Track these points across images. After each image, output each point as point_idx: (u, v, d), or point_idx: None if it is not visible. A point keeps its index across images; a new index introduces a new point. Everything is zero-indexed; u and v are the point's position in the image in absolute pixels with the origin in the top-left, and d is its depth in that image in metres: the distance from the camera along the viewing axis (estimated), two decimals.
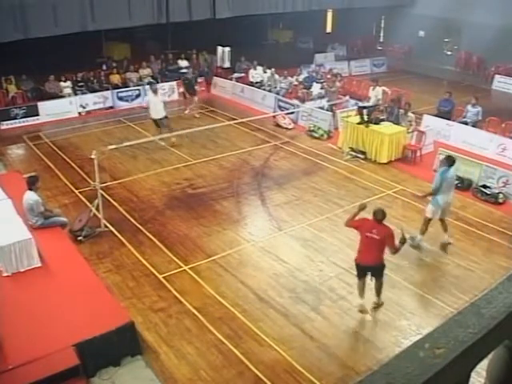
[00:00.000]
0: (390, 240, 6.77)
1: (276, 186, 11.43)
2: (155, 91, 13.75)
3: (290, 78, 18.38)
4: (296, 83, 18.33)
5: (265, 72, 18.68)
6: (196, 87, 16.72)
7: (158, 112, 13.31)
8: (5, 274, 7.14)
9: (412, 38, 22.86)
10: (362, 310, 7.13)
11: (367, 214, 7.03)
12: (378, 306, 7.27)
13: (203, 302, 7.43)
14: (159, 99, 13.66)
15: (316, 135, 14.38)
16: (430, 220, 8.64)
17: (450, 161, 8.53)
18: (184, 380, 6.06)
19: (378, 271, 7.00)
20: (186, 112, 16.24)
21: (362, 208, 7.01)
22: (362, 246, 6.90)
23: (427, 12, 21.55)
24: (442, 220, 8.78)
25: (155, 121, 13.44)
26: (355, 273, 7.16)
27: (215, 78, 19.28)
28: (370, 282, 7.14)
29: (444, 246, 8.77)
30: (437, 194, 8.42)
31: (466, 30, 21.27)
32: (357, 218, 7.04)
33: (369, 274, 7.04)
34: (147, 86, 15.66)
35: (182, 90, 17.20)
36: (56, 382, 5.39)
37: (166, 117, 13.43)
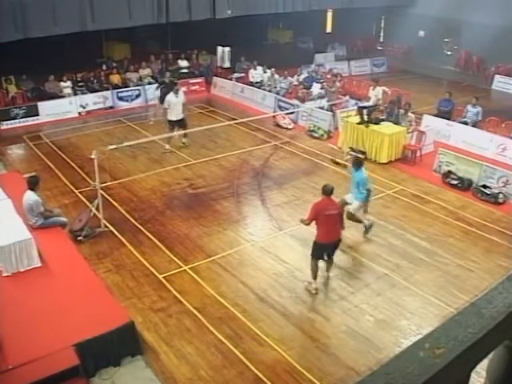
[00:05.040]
0: (342, 209, 7.52)
1: (276, 185, 11.43)
2: (176, 92, 13.12)
3: (290, 77, 18.38)
4: (296, 83, 18.32)
5: (265, 72, 18.67)
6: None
7: (177, 114, 12.99)
8: (5, 274, 7.14)
9: (412, 38, 22.84)
10: (317, 292, 7.64)
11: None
12: (329, 278, 7.93)
13: (203, 301, 7.42)
14: (180, 100, 13.09)
15: (316, 135, 14.38)
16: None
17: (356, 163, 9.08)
18: (184, 380, 6.06)
19: (336, 247, 7.52)
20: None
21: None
22: (324, 226, 7.20)
23: (427, 12, 21.54)
24: None
25: (173, 122, 13.12)
26: (311, 253, 7.53)
27: (215, 77, 19.28)
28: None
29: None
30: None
31: (465, 30, 21.25)
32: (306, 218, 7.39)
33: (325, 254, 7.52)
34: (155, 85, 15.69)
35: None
36: (56, 382, 5.39)
37: (183, 118, 13.16)
